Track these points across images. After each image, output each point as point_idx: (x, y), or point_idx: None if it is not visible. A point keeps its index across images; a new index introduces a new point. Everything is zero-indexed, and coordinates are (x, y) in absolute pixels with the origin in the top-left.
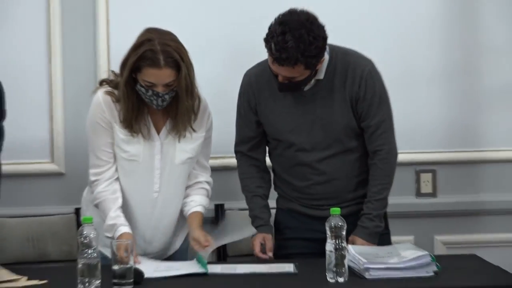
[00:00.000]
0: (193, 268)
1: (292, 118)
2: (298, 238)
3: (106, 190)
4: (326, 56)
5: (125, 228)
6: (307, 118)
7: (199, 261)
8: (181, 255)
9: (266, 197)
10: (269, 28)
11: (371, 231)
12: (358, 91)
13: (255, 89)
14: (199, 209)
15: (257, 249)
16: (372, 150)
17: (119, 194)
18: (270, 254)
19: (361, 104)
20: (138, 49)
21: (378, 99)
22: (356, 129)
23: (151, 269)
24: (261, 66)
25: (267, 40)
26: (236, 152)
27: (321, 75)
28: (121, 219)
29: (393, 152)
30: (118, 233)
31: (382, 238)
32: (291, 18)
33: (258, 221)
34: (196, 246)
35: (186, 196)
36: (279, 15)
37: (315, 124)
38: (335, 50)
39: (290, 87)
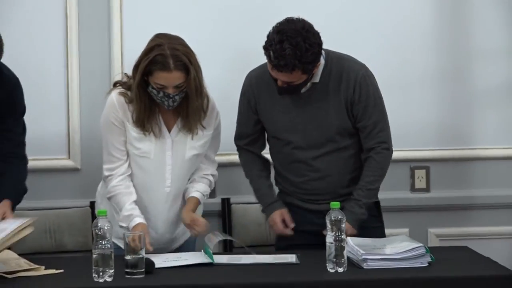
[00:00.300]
0: (200, 258)
1: (289, 118)
2: (297, 231)
3: (120, 184)
4: (322, 61)
5: (140, 219)
6: (303, 119)
7: (206, 252)
8: (189, 245)
9: (269, 178)
10: (268, 37)
11: (358, 217)
12: (353, 95)
13: (255, 89)
14: (195, 194)
15: (280, 227)
16: (368, 148)
17: (133, 189)
18: (292, 225)
19: (357, 106)
20: (149, 54)
21: (373, 101)
22: (349, 129)
23: (161, 260)
24: (262, 69)
25: (266, 48)
26: (236, 145)
27: (316, 79)
28: (137, 211)
29: (390, 149)
30: (133, 223)
31: (376, 231)
32: (288, 27)
33: (268, 198)
34: (190, 229)
35: (189, 182)
36: (277, 24)
37: (310, 124)
38: (330, 55)
39: (288, 90)
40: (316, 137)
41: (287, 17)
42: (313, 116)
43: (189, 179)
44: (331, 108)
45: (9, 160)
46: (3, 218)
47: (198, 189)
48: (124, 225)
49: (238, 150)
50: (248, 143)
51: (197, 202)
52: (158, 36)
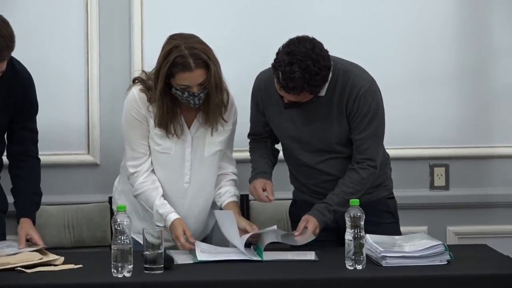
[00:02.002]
0: (248, 254)
1: (295, 127)
2: None
3: (147, 181)
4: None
5: (173, 215)
6: (307, 129)
7: (257, 249)
8: (207, 241)
9: (269, 160)
10: (277, 55)
11: (325, 220)
12: (352, 107)
13: (263, 94)
14: (235, 199)
15: (260, 192)
16: (355, 160)
17: (158, 184)
18: (272, 197)
19: (353, 118)
20: (168, 57)
21: (369, 116)
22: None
23: (205, 254)
24: (272, 72)
25: (275, 68)
26: (249, 139)
27: (322, 93)
28: (167, 207)
29: (376, 167)
30: (168, 223)
31: (391, 227)
32: (298, 48)
33: (256, 170)
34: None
35: (218, 187)
36: (287, 42)
37: (315, 135)
38: (338, 66)
39: (294, 106)
40: (321, 146)
41: (298, 36)
42: (318, 128)
43: (216, 185)
44: (335, 121)
45: (26, 159)
46: (28, 240)
47: (234, 193)
48: (160, 225)
49: (249, 141)
50: (260, 139)
51: (237, 205)
52: (173, 37)
